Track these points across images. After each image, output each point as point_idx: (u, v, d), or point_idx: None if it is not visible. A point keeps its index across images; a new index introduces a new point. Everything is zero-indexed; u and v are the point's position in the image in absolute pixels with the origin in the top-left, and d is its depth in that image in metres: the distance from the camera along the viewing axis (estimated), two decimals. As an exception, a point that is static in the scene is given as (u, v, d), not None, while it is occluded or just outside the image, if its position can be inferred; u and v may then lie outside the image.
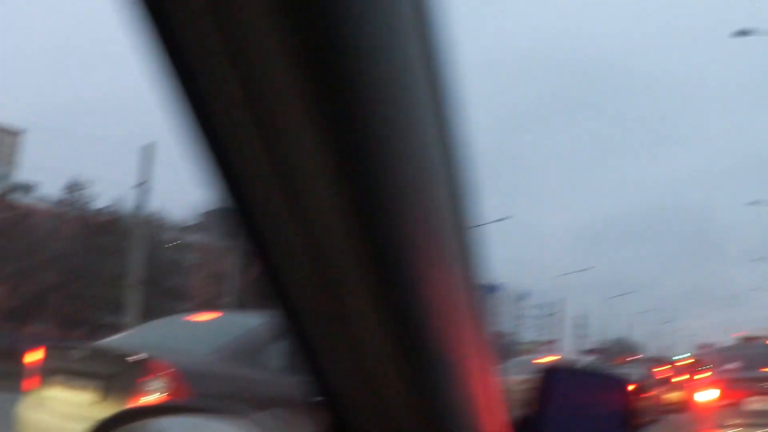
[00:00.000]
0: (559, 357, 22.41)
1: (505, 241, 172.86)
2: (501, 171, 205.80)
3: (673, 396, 31.05)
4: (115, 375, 7.02)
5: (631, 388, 1.60)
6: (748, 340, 42.11)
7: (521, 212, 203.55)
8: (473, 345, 1.19)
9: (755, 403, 12.78)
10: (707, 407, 13.18)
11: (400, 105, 0.79)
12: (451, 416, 1.16)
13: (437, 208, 0.93)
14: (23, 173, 59.22)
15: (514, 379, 18.02)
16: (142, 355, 6.96)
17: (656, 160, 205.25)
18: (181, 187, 36.14)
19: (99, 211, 51.26)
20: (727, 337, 68.91)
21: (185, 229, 59.19)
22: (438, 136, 0.88)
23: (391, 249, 0.88)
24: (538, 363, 20.69)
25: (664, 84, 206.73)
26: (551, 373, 1.57)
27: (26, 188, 54.44)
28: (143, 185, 38.46)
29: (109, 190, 65.47)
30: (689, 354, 71.63)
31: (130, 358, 7.03)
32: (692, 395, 13.50)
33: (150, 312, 27.97)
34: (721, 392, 13.06)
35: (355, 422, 1.12)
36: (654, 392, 28.56)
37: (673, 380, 34.96)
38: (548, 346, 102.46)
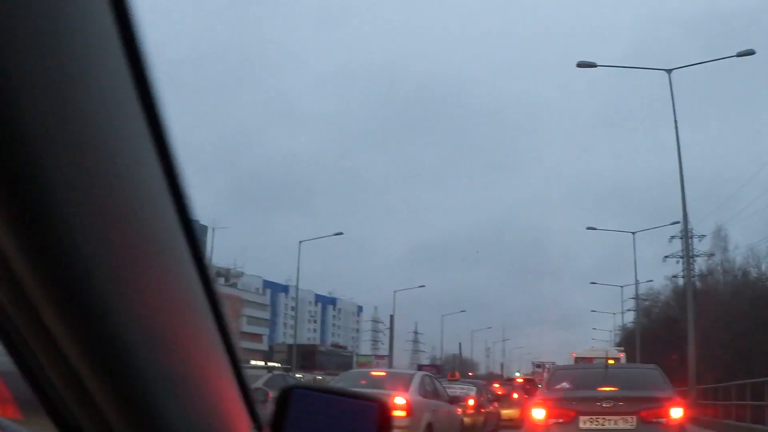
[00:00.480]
0: (386, 372, 22.45)
1: (342, 257, 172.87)
2: (340, 188, 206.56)
3: (509, 412, 31.76)
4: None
5: (388, 410, 1.58)
6: (582, 359, 43.42)
7: (359, 229, 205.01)
8: (203, 353, 1.25)
9: (587, 422, 13.12)
10: (541, 424, 13.50)
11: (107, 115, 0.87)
12: (173, 422, 1.16)
13: (138, 210, 0.98)
14: None
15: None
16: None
17: (495, 184, 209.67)
18: None
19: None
20: (563, 356, 70.86)
21: None
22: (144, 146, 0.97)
23: (81, 254, 0.89)
24: (372, 376, 20.74)
25: (506, 110, 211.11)
26: (290, 393, 1.53)
27: None
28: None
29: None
30: (525, 372, 73.36)
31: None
32: (527, 412, 13.83)
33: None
34: (555, 410, 13.41)
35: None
36: (490, 408, 28.96)
37: (509, 397, 35.63)
38: (383, 360, 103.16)
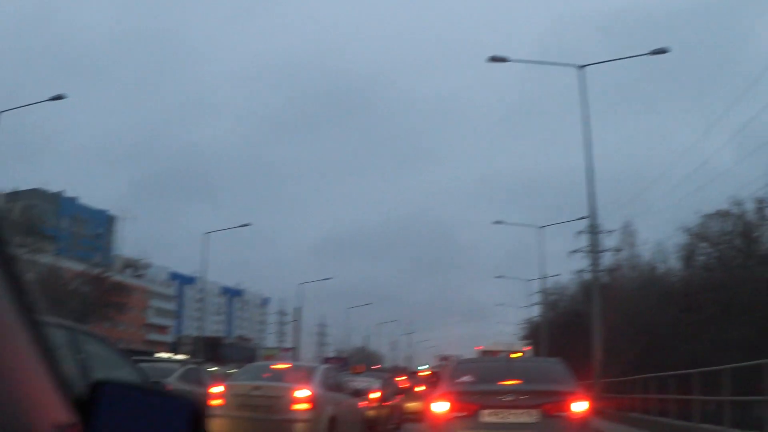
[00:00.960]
0: (289, 364, 22.19)
1: (249, 249, 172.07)
2: (248, 180, 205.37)
3: (413, 405, 31.62)
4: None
5: (202, 410, 1.47)
6: (486, 353, 43.52)
7: (267, 221, 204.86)
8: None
9: (489, 416, 12.96)
10: (442, 418, 13.22)
11: None
12: None
13: None
14: None
15: (247, 384, 17.83)
16: None
17: (404, 178, 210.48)
18: None
19: None
20: (469, 349, 71.17)
21: None
22: None
23: None
24: (269, 367, 20.60)
25: (417, 104, 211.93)
26: (100, 387, 1.42)
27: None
28: None
29: None
30: (430, 365, 73.62)
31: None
32: (431, 405, 13.56)
33: None
34: (456, 404, 13.18)
35: None
36: (394, 401, 28.83)
37: (414, 390, 35.59)
38: (288, 352, 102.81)
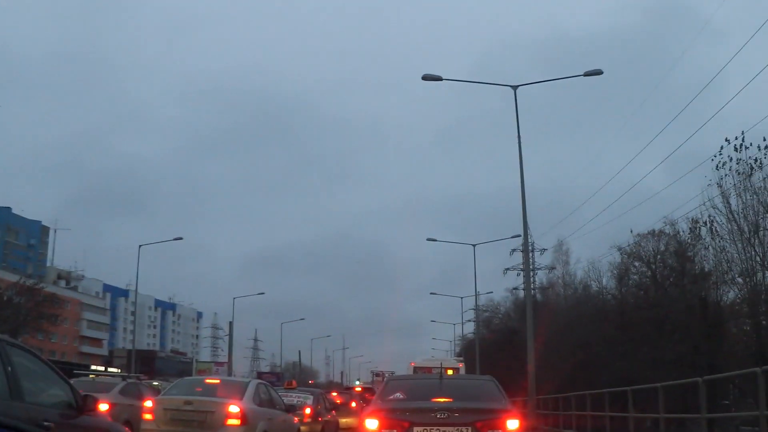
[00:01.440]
0: (221, 379, 21.94)
1: (183, 263, 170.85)
2: (183, 194, 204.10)
3: (347, 421, 31.49)
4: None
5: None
6: (419, 369, 43.33)
7: (201, 236, 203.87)
8: None
9: None
10: None
11: None
12: None
13: None
14: None
15: (178, 398, 17.50)
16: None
17: (338, 195, 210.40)
18: None
19: None
20: (403, 365, 71.02)
21: None
22: None
23: None
24: (201, 382, 20.39)
25: (350, 123, 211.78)
26: None
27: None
28: None
29: None
30: (364, 381, 73.39)
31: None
32: (362, 422, 13.30)
33: None
34: (388, 421, 12.92)
35: None
36: (328, 417, 28.64)
37: (348, 406, 35.43)
38: (222, 367, 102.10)
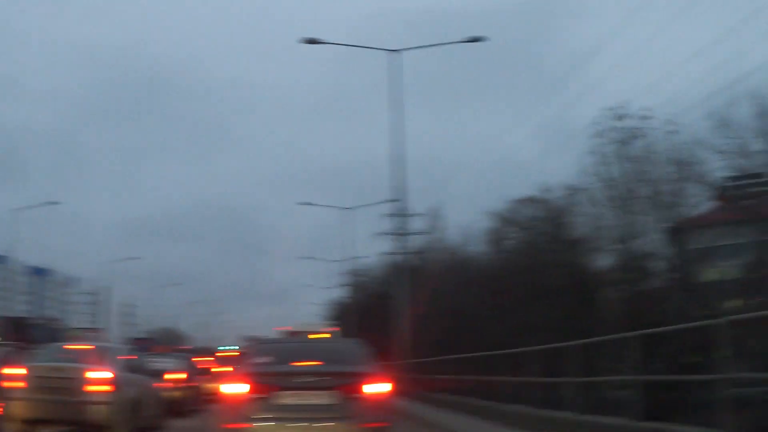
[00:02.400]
0: (89, 345, 21.12)
1: (58, 228, 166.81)
2: (58, 160, 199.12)
3: (216, 386, 30.92)
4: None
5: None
6: (292, 333, 42.93)
7: (77, 201, 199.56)
8: None
9: (286, 398, 12.48)
10: (239, 399, 12.65)
11: None
12: None
13: None
14: None
15: (46, 365, 16.67)
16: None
17: (214, 161, 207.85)
18: None
19: None
20: (273, 330, 70.52)
21: None
22: None
23: None
24: (70, 348, 19.51)
25: (227, 88, 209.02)
26: None
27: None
28: None
29: None
30: (236, 346, 72.66)
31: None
32: (229, 386, 12.80)
33: None
34: (254, 385, 12.61)
35: None
36: (197, 382, 28.18)
37: (217, 371, 35.00)
38: (95, 333, 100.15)
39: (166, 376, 23.00)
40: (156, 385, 20.06)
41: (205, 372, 32.76)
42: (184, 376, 25.95)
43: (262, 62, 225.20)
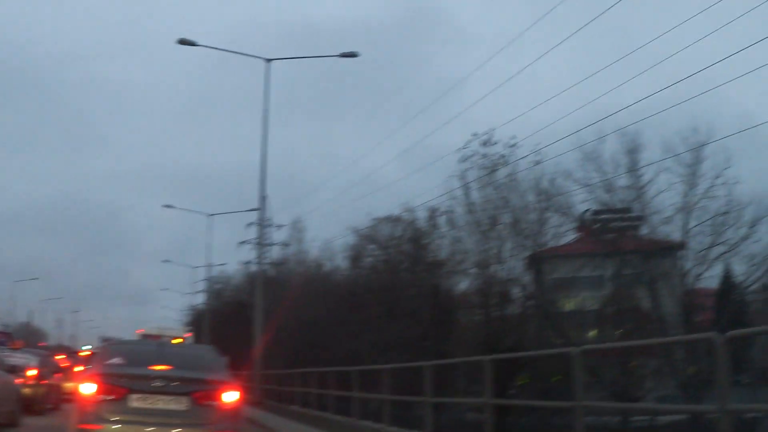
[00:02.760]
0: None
1: None
2: None
3: (71, 385, 30.40)
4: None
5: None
6: (147, 336, 42.31)
7: None
8: None
9: (137, 401, 12.23)
10: (90, 400, 12.31)
11: None
12: None
13: None
14: None
15: None
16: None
17: (75, 158, 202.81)
18: None
19: None
20: (132, 332, 69.34)
21: None
22: None
23: None
24: None
25: (99, 86, 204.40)
26: None
27: None
28: None
29: None
30: (92, 346, 71.29)
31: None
32: (79, 386, 12.49)
33: None
34: (105, 386, 12.28)
35: None
36: (52, 380, 27.63)
37: (73, 370, 34.50)
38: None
39: (19, 372, 22.36)
40: (6, 380, 19.39)
41: (65, 370, 32.14)
42: (37, 372, 25.27)
43: (136, 62, 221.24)
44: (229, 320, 59.97)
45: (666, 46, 29.04)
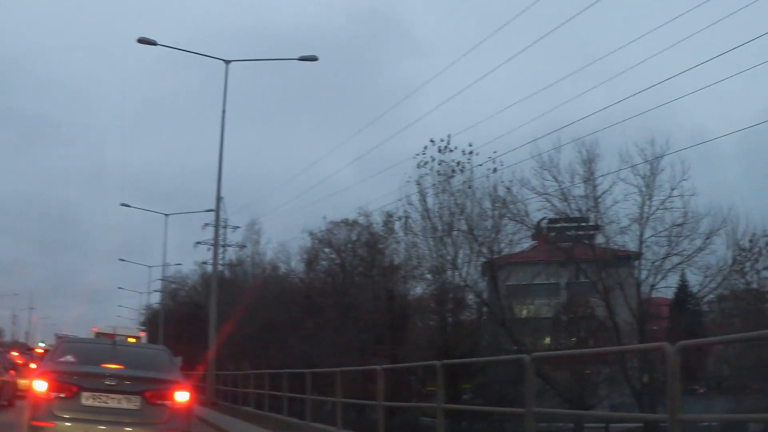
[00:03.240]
0: None
1: None
2: None
3: (25, 382, 30.41)
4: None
5: None
6: (101, 335, 42.07)
7: None
8: None
9: (89, 399, 12.18)
10: (42, 397, 12.26)
11: None
12: None
13: None
14: None
15: None
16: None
17: (33, 155, 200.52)
18: None
19: None
20: (87, 330, 68.89)
21: None
22: None
23: None
24: None
25: (56, 84, 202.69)
26: None
27: None
28: None
29: None
30: (47, 343, 70.85)
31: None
32: (31, 383, 12.46)
33: None
34: (57, 384, 12.24)
35: None
36: (6, 377, 27.65)
37: (28, 366, 34.46)
38: None
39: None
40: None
41: (19, 367, 32.07)
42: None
43: (95, 61, 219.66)
44: (183, 320, 59.82)
45: (623, 59, 29.41)
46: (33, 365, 35.13)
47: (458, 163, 31.93)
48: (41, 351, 51.45)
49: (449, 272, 31.91)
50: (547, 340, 33.95)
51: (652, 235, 29.27)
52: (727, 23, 24.68)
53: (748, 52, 22.81)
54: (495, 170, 31.38)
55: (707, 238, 28.86)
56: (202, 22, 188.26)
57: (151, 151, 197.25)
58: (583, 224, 31.73)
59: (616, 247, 30.44)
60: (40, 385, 12.34)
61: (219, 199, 37.81)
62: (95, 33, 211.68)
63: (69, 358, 13.36)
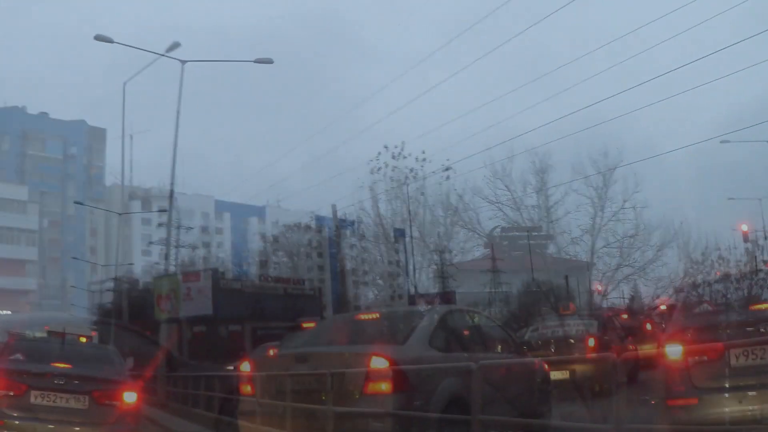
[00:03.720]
0: None
1: None
2: None
3: None
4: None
5: None
6: (52, 333, 41.71)
7: None
8: None
9: (38, 398, 12.23)
10: None
11: None
12: None
13: None
14: None
15: None
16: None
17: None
18: None
19: None
20: (39, 329, 68.42)
21: None
22: None
23: None
24: None
25: (12, 79, 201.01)
26: None
27: None
28: None
29: None
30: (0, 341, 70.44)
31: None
32: None
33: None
34: (5, 381, 12.35)
35: None
36: None
37: None
38: None
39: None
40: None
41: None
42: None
43: (47, 58, 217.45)
44: (136, 320, 59.54)
45: (576, 71, 29.84)
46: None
47: (411, 170, 32.13)
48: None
49: (401, 278, 32.04)
50: (499, 347, 34.11)
51: (604, 246, 29.60)
52: (680, 40, 25.13)
53: (701, 68, 23.29)
54: (448, 178, 31.63)
55: (659, 250, 29.19)
56: (158, 22, 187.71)
57: (109, 149, 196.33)
58: (536, 233, 32.00)
59: (567, 257, 30.74)
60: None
61: (172, 199, 37.73)
62: (50, 30, 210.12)
63: (18, 356, 13.37)
